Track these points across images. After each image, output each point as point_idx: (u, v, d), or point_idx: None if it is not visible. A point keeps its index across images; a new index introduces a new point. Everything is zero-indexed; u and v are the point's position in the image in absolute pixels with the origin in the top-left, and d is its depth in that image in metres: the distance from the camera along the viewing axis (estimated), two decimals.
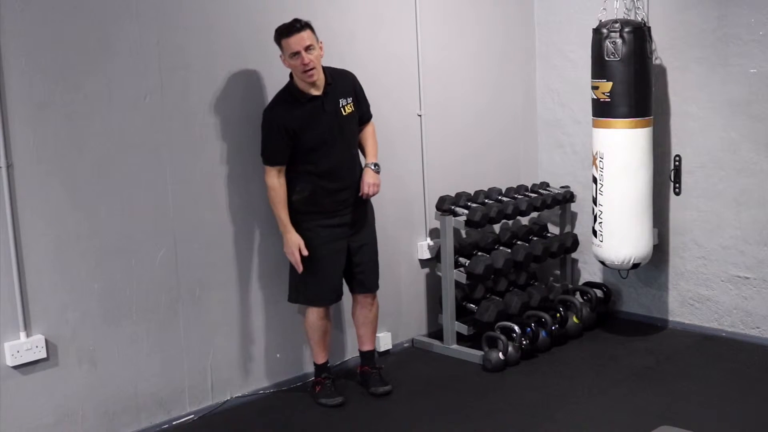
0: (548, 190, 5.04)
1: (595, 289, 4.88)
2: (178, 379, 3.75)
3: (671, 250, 4.76)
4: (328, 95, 3.72)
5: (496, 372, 4.22)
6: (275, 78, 3.89)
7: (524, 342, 4.32)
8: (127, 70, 3.46)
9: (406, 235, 4.56)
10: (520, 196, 4.82)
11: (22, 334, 3.25)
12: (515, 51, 5.13)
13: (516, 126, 5.18)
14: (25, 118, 3.20)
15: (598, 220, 4.44)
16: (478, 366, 4.32)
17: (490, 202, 4.67)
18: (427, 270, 4.74)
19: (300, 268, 3.74)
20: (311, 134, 3.69)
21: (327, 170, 3.74)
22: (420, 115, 4.60)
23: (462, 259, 4.51)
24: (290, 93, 3.71)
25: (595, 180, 4.44)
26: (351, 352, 4.38)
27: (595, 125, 4.42)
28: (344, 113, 3.76)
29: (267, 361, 4.07)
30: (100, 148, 3.42)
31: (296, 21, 3.60)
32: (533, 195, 4.91)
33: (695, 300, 4.71)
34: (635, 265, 4.44)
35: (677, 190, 4.69)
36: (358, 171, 3.87)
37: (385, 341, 4.46)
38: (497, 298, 4.59)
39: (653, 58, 4.43)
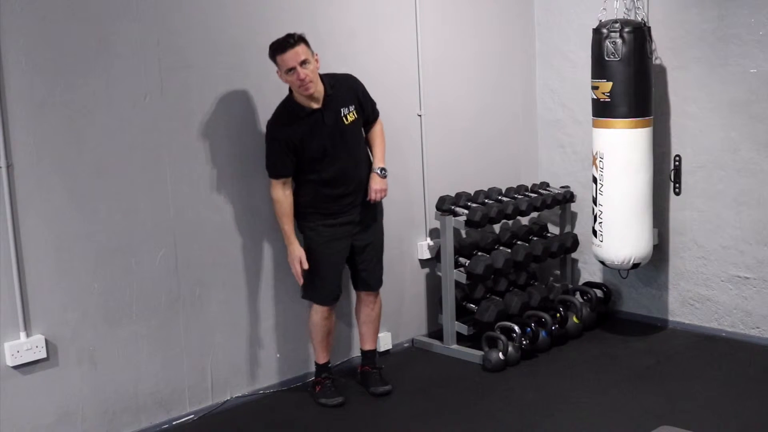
0: (548, 190, 5.04)
1: (595, 289, 4.88)
2: (178, 379, 3.75)
3: (671, 250, 4.76)
4: (328, 107, 3.68)
5: (496, 372, 4.22)
6: (275, 78, 3.88)
7: (524, 342, 4.32)
8: (127, 70, 3.46)
9: (406, 235, 4.56)
10: (520, 196, 4.83)
11: (22, 334, 3.25)
12: (515, 51, 5.13)
13: (516, 126, 5.18)
14: (25, 118, 3.20)
15: (598, 220, 4.44)
16: (478, 366, 4.32)
17: (490, 202, 4.67)
18: (427, 270, 4.74)
19: (300, 281, 3.79)
20: (313, 147, 3.69)
21: (330, 178, 3.75)
22: (420, 115, 4.60)
23: (462, 259, 4.51)
24: (290, 107, 3.69)
25: (595, 180, 4.44)
26: (352, 352, 4.38)
27: (595, 125, 4.42)
28: (346, 122, 3.73)
29: (267, 361, 4.07)
30: (100, 148, 3.42)
31: (289, 36, 3.55)
32: (533, 195, 4.91)
33: (695, 300, 4.71)
34: (635, 265, 4.44)
35: (677, 190, 4.69)
36: (365, 173, 3.85)
37: (385, 341, 4.46)
38: (497, 298, 4.59)
39: (653, 58, 4.43)
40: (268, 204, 3.92)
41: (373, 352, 4.15)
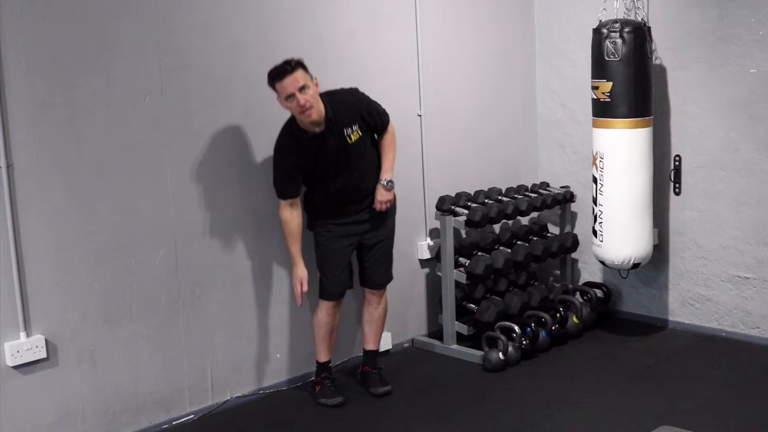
0: (548, 190, 5.04)
1: (595, 289, 4.88)
2: (178, 379, 3.75)
3: (671, 250, 4.76)
4: (331, 130, 3.66)
5: (496, 372, 4.22)
6: None
7: (524, 342, 4.32)
8: (127, 70, 3.46)
9: (406, 235, 4.56)
10: (520, 196, 4.83)
11: (22, 334, 3.25)
12: (515, 51, 5.13)
13: (516, 126, 5.18)
14: (25, 118, 3.20)
15: (598, 220, 4.44)
16: (478, 366, 4.32)
17: (490, 202, 4.67)
18: (427, 270, 4.75)
19: (299, 301, 3.82)
20: (319, 167, 3.71)
21: (337, 190, 3.79)
22: (420, 115, 4.60)
23: (462, 259, 4.51)
24: (293, 131, 3.67)
25: (595, 180, 4.44)
26: (352, 352, 4.38)
27: (595, 125, 4.42)
28: (350, 141, 3.72)
29: (267, 361, 4.07)
30: (100, 148, 3.42)
31: (287, 63, 3.52)
32: (533, 195, 4.91)
33: (695, 300, 4.71)
34: (635, 265, 4.44)
35: (677, 190, 4.69)
36: (373, 183, 3.86)
37: (385, 341, 4.45)
38: (497, 298, 4.59)
39: (653, 58, 4.43)
40: (267, 204, 3.92)
41: (375, 352, 4.15)
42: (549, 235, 5.07)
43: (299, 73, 3.50)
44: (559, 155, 5.21)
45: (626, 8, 4.46)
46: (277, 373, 4.11)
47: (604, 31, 4.27)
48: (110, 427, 3.53)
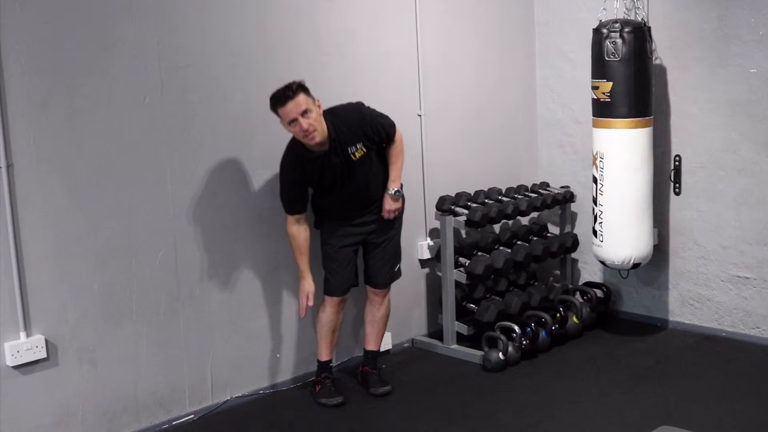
0: (548, 190, 5.04)
1: (595, 289, 4.88)
2: (178, 379, 3.75)
3: (671, 250, 4.76)
4: (334, 150, 3.67)
5: (496, 372, 4.22)
6: (275, 78, 3.89)
7: (524, 342, 4.32)
8: (127, 70, 3.46)
9: (406, 235, 4.55)
10: (520, 196, 4.82)
11: (22, 334, 3.25)
12: (515, 51, 5.13)
13: (516, 126, 5.18)
14: (25, 118, 3.20)
15: (599, 220, 4.44)
16: (478, 366, 4.32)
17: (490, 202, 4.67)
18: (427, 270, 4.75)
19: (302, 314, 3.87)
20: (324, 183, 3.74)
21: (343, 200, 3.82)
22: (420, 115, 4.60)
23: (462, 259, 4.51)
24: (297, 151, 3.67)
25: (595, 180, 4.44)
26: (352, 352, 4.38)
27: (595, 125, 4.42)
28: (354, 158, 3.72)
29: (267, 361, 4.07)
30: (100, 148, 3.41)
31: (288, 89, 3.51)
32: (533, 195, 4.91)
33: (695, 300, 4.71)
34: (635, 265, 4.44)
35: (677, 190, 4.69)
36: (379, 191, 3.89)
37: (385, 341, 4.44)
38: (497, 298, 4.59)
39: (653, 58, 4.43)
40: (267, 204, 3.93)
41: (375, 353, 4.16)
42: (549, 235, 5.06)
43: (301, 98, 3.50)
44: (559, 155, 5.21)
45: (626, 8, 4.46)
46: (277, 373, 4.11)
47: (604, 31, 4.27)
48: (110, 427, 3.53)
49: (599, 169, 4.39)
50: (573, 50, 4.97)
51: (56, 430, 3.38)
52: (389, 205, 3.90)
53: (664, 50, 4.60)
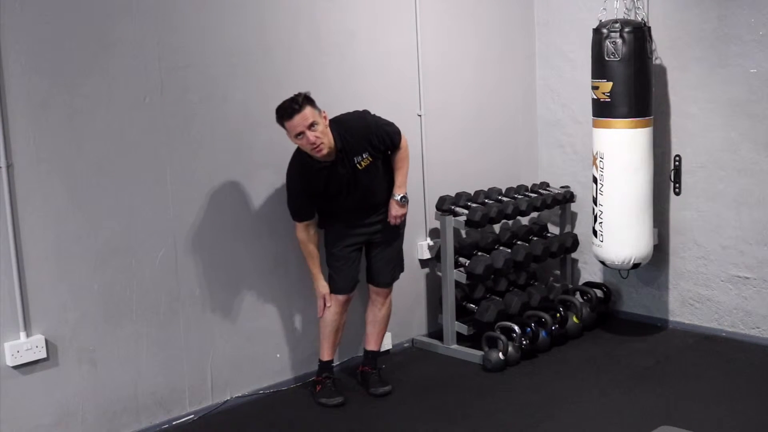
0: (548, 190, 5.04)
1: (595, 289, 4.88)
2: (178, 379, 3.74)
3: (671, 250, 4.76)
4: (341, 159, 3.68)
5: (496, 372, 4.22)
6: (275, 78, 3.90)
7: (524, 342, 4.32)
8: (127, 70, 3.46)
9: (406, 235, 4.55)
10: (520, 196, 4.82)
11: (22, 334, 3.25)
12: (515, 51, 5.13)
13: (516, 126, 5.18)
14: (25, 118, 3.19)
15: (599, 220, 4.44)
16: (478, 366, 4.32)
17: (490, 202, 4.67)
18: (427, 270, 4.74)
19: (320, 314, 3.92)
20: (330, 191, 3.74)
21: (348, 206, 3.83)
22: (420, 115, 4.60)
23: (462, 259, 4.51)
24: (304, 160, 3.67)
25: (595, 180, 4.44)
26: (353, 352, 4.38)
27: (595, 125, 4.42)
28: (360, 167, 3.73)
29: (267, 361, 4.07)
30: (100, 148, 3.41)
31: (294, 101, 3.50)
32: (533, 195, 4.91)
33: (695, 300, 4.71)
34: (635, 265, 4.44)
35: (677, 190, 4.69)
36: (384, 197, 3.90)
37: (385, 341, 4.44)
38: (497, 298, 4.59)
39: (653, 58, 4.43)
40: (267, 203, 3.93)
41: (376, 353, 4.16)
42: (549, 235, 5.06)
43: (308, 111, 3.49)
44: (559, 155, 5.21)
45: (626, 8, 4.46)
46: (277, 373, 4.11)
47: (604, 31, 4.27)
48: (110, 427, 3.53)
49: (599, 169, 4.39)
50: (573, 50, 4.97)
51: (56, 430, 3.38)
52: (395, 210, 3.91)
53: (664, 50, 4.60)
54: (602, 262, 4.58)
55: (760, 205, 4.41)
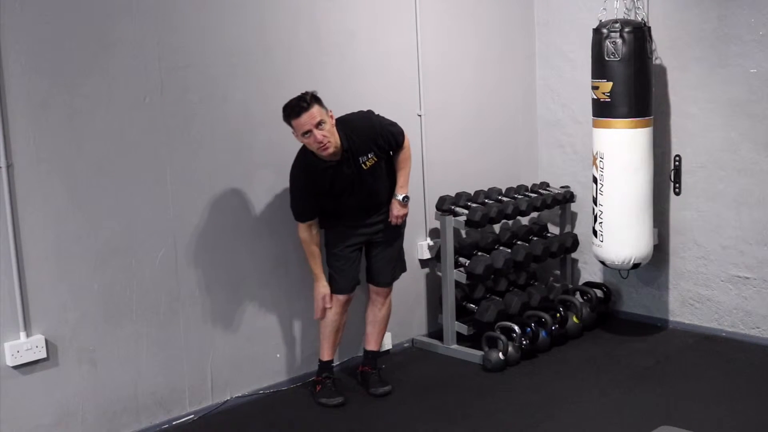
0: (548, 190, 5.04)
1: (595, 289, 4.88)
2: (178, 379, 3.74)
3: (671, 250, 4.76)
4: (347, 159, 3.68)
5: (496, 372, 4.22)
6: (275, 78, 3.90)
7: (524, 342, 4.32)
8: (127, 70, 3.46)
9: (406, 235, 4.55)
10: (520, 196, 4.82)
11: (22, 334, 3.25)
12: (515, 51, 5.13)
13: (516, 126, 5.18)
14: (25, 118, 3.19)
15: (599, 220, 4.44)
16: (478, 366, 4.32)
17: (490, 202, 4.67)
18: (427, 270, 4.74)
19: (318, 315, 3.91)
20: (334, 191, 3.74)
21: (350, 206, 3.83)
22: (420, 115, 4.60)
23: (462, 259, 4.51)
24: (309, 159, 3.68)
25: (595, 180, 4.44)
26: (353, 352, 4.38)
27: (595, 125, 4.42)
28: (365, 167, 3.74)
29: (267, 361, 4.07)
30: (100, 148, 3.41)
31: (302, 100, 3.51)
32: (533, 195, 4.91)
33: (695, 300, 4.71)
34: (635, 265, 4.44)
35: (677, 190, 4.69)
36: (386, 197, 3.91)
37: (385, 341, 4.44)
38: (497, 298, 4.59)
39: (653, 58, 4.43)
40: (267, 203, 3.93)
41: (375, 353, 4.16)
42: (549, 235, 5.06)
43: (315, 109, 3.50)
44: (559, 155, 5.21)
45: (626, 8, 4.46)
46: (277, 373, 4.11)
47: (604, 31, 4.27)
48: (110, 427, 3.53)
49: (599, 169, 4.39)
50: (573, 50, 4.97)
51: (56, 430, 3.38)
52: (398, 210, 3.91)
53: (664, 50, 4.60)
54: (602, 262, 4.58)
55: (760, 205, 4.41)
